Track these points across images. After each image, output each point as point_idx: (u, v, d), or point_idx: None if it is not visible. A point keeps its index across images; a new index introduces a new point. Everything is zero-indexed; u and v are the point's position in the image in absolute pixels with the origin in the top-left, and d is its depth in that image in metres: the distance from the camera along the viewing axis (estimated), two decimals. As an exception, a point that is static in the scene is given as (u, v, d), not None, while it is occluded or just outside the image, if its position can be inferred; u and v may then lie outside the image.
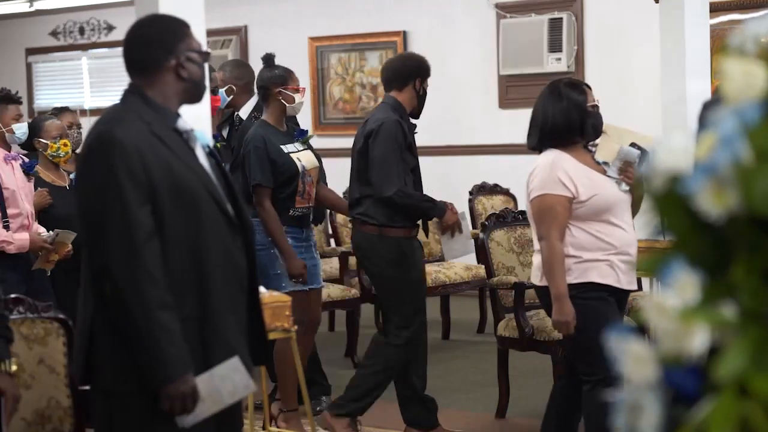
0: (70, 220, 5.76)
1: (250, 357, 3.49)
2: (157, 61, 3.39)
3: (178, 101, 3.44)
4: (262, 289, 4.88)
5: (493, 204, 8.92)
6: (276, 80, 6.06)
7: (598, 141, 5.05)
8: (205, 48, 3.52)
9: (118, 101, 3.48)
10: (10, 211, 5.97)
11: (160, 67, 3.39)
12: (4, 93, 6.28)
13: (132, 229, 3.22)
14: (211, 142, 3.62)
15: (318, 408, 6.55)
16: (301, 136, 6.15)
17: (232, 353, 3.38)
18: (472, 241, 6.19)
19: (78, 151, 6.30)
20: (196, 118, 4.61)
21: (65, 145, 6.40)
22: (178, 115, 3.44)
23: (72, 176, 6.73)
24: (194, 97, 3.49)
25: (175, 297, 3.27)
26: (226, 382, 3.35)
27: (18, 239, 5.93)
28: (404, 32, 10.68)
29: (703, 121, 4.00)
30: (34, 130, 6.38)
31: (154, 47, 3.40)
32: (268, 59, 6.22)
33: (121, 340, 3.28)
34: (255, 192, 5.93)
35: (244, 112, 6.90)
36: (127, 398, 3.34)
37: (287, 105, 6.05)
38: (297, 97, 6.08)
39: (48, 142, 6.34)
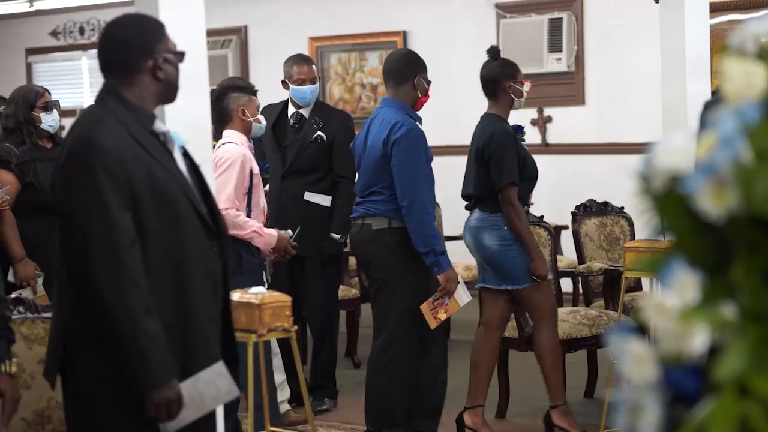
0: None
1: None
2: (135, 61, 3.34)
3: (154, 102, 3.39)
4: (261, 288, 4.89)
5: (493, 204, 8.91)
6: (507, 74, 5.86)
7: None
8: (180, 48, 3.43)
9: (93, 102, 3.44)
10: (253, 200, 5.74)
11: (137, 68, 3.34)
12: (248, 84, 5.95)
13: (115, 234, 3.17)
14: (187, 144, 3.51)
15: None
16: (519, 132, 5.89)
17: (215, 358, 3.33)
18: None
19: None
20: (196, 125, 4.49)
21: None
22: (154, 117, 3.39)
23: None
24: (169, 98, 3.44)
25: (156, 302, 3.21)
26: (209, 387, 3.31)
27: (267, 234, 5.72)
28: (404, 32, 10.68)
29: (704, 121, 4.00)
30: None
31: (132, 48, 3.35)
32: (495, 52, 5.98)
33: (99, 345, 3.23)
34: (506, 189, 5.65)
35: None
36: (103, 403, 3.28)
37: (515, 99, 5.82)
38: (524, 90, 5.85)
39: None
